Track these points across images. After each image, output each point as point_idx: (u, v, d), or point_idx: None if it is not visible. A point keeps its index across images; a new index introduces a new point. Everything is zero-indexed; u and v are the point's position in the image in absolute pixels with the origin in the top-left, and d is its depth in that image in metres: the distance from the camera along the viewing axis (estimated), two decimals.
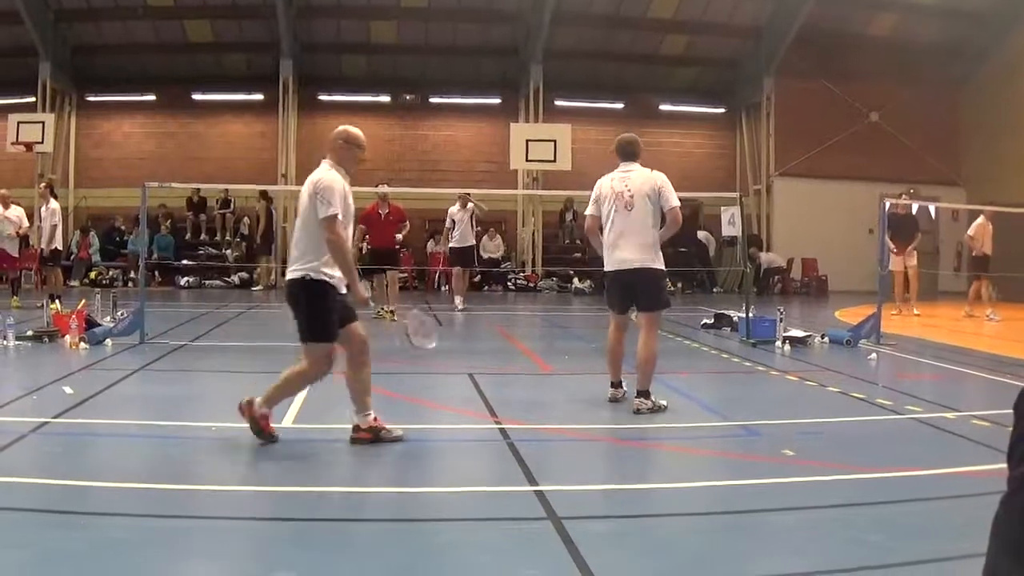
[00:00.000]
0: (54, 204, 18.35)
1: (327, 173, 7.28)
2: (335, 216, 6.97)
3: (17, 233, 18.26)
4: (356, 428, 7.24)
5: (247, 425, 7.10)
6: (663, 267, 9.07)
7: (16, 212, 18.28)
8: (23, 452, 6.78)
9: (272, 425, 7.13)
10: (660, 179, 9.09)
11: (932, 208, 22.12)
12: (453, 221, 20.22)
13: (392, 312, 16.04)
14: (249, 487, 6.17)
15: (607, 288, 9.44)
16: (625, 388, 9.20)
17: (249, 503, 5.79)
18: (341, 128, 7.73)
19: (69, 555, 4.54)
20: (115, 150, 29.98)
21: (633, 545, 5.00)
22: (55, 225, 18.19)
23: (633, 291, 9.03)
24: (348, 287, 7.16)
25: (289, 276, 7.09)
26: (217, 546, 4.89)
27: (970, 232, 20.08)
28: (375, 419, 7.24)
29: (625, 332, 9.37)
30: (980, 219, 20.10)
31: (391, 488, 6.06)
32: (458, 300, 20.14)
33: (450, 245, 20.42)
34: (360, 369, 7.31)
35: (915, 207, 21.19)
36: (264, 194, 27.57)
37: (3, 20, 27.20)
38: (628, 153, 9.34)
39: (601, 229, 9.15)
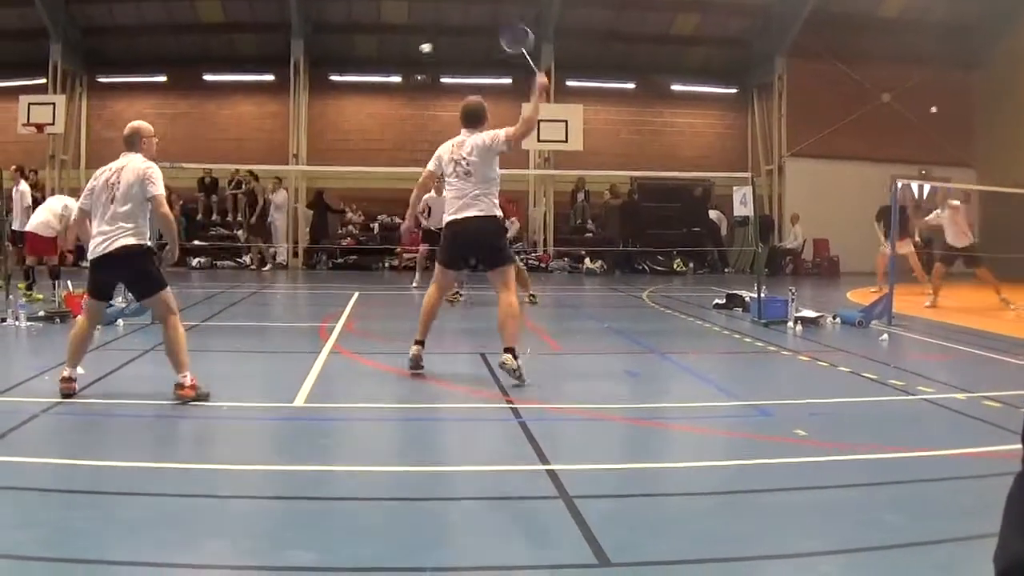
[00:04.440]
0: (23, 186, 18.35)
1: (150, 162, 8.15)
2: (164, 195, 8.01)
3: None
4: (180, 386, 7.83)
5: (258, 404, 7.15)
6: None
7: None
8: (36, 432, 6.82)
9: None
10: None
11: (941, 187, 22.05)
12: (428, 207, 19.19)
13: (532, 296, 17.07)
14: (261, 466, 6.18)
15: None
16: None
17: (261, 482, 5.81)
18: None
19: (83, 534, 4.57)
20: None
21: (644, 524, 5.00)
22: (28, 207, 18.18)
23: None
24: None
25: (123, 243, 7.86)
26: (230, 525, 4.91)
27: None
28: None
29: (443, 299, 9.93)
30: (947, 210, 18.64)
31: (403, 467, 6.07)
32: (418, 277, 19.88)
33: (427, 227, 19.21)
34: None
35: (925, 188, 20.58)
36: (253, 175, 27.61)
37: (14, 2, 27.15)
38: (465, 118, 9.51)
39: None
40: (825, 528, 4.95)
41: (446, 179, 9.27)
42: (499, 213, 9.24)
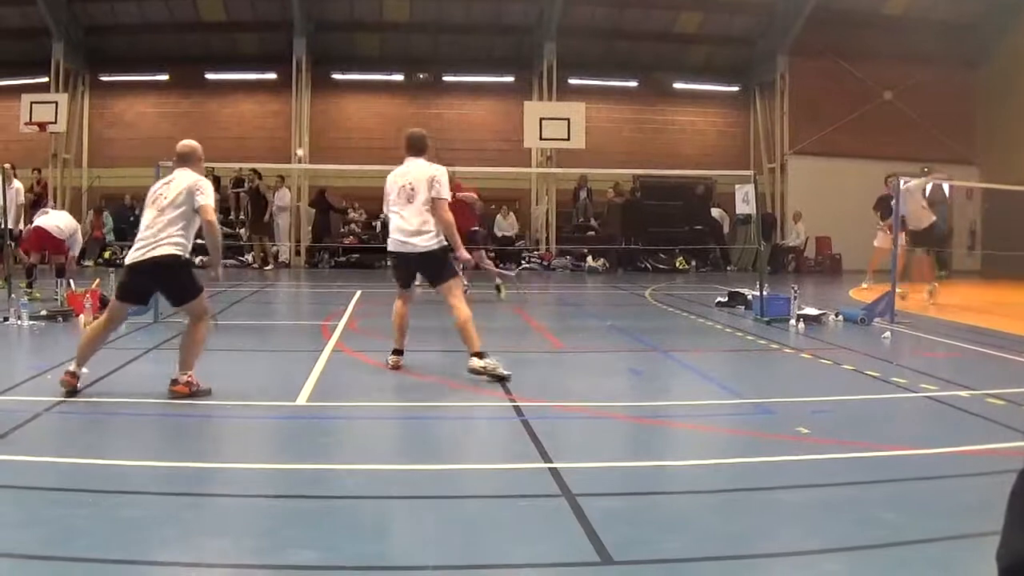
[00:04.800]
0: (17, 184, 18.39)
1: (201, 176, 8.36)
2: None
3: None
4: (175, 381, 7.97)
5: (261, 403, 7.19)
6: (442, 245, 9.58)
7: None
8: (39, 431, 6.82)
9: None
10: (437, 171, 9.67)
11: (946, 187, 21.97)
12: None
13: (498, 287, 16.97)
14: (263, 465, 6.19)
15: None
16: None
17: (263, 481, 5.81)
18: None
19: (85, 533, 4.57)
20: (128, 130, 29.94)
21: (647, 522, 5.00)
22: (20, 205, 18.20)
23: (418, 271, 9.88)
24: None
25: (161, 252, 7.92)
26: (232, 524, 4.91)
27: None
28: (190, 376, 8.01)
29: (409, 304, 9.90)
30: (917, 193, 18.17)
31: (405, 465, 6.07)
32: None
33: None
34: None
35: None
36: (257, 173, 27.57)
37: (17, 0, 27.20)
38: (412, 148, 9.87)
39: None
40: (826, 526, 4.94)
41: (392, 205, 9.66)
42: (442, 237, 9.49)
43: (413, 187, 9.40)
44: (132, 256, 8.07)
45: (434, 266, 9.52)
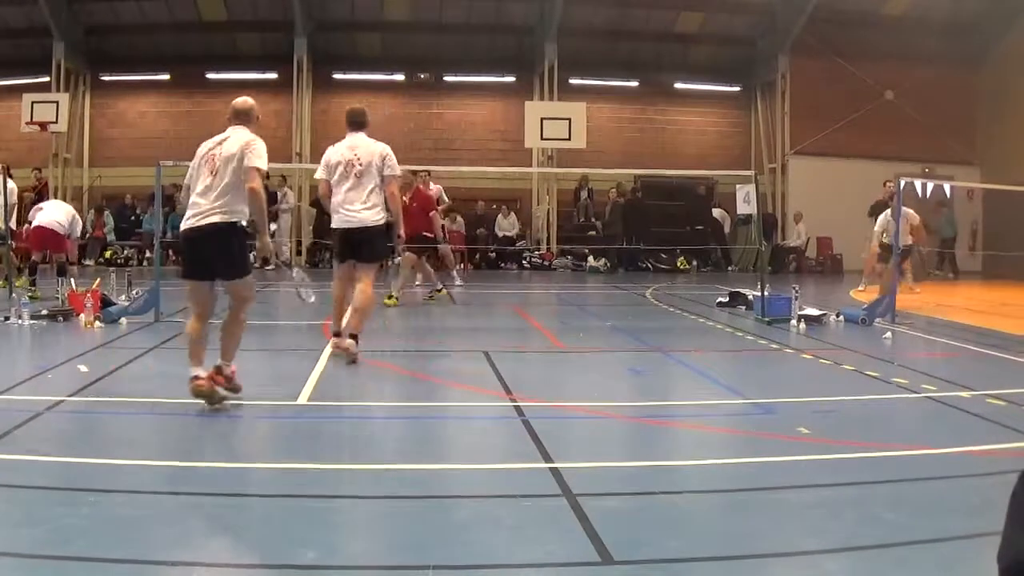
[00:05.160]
0: (11, 184, 18.40)
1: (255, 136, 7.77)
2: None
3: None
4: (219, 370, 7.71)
5: (261, 403, 7.19)
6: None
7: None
8: (39, 430, 6.80)
9: None
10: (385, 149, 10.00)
11: (947, 187, 21.98)
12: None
13: (395, 297, 16.15)
14: (264, 464, 6.19)
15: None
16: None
17: (263, 480, 5.80)
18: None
19: (83, 532, 4.57)
20: (129, 130, 29.93)
21: (647, 522, 4.99)
22: (14, 205, 18.22)
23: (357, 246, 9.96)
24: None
25: (218, 219, 7.47)
26: (232, 523, 4.90)
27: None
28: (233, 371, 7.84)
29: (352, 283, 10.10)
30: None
31: (406, 465, 6.06)
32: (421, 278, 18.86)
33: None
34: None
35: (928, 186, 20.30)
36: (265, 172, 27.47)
37: (17, 0, 27.19)
38: (354, 123, 10.13)
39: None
40: (827, 526, 4.94)
41: (337, 178, 9.89)
42: (385, 214, 9.90)
43: (362, 163, 9.70)
44: (186, 223, 7.57)
45: (373, 241, 9.82)
